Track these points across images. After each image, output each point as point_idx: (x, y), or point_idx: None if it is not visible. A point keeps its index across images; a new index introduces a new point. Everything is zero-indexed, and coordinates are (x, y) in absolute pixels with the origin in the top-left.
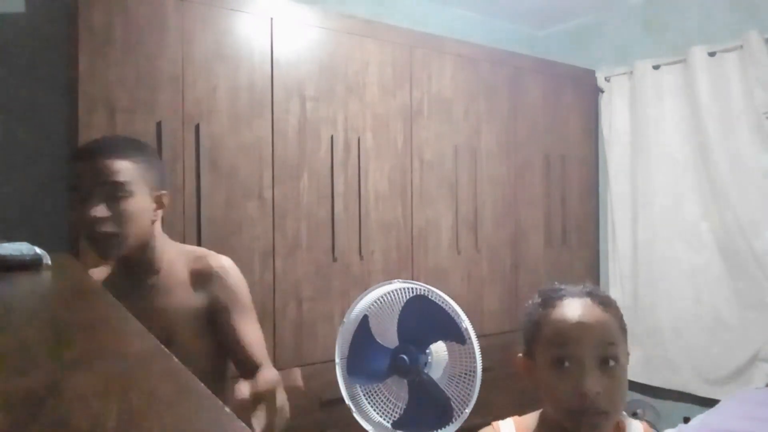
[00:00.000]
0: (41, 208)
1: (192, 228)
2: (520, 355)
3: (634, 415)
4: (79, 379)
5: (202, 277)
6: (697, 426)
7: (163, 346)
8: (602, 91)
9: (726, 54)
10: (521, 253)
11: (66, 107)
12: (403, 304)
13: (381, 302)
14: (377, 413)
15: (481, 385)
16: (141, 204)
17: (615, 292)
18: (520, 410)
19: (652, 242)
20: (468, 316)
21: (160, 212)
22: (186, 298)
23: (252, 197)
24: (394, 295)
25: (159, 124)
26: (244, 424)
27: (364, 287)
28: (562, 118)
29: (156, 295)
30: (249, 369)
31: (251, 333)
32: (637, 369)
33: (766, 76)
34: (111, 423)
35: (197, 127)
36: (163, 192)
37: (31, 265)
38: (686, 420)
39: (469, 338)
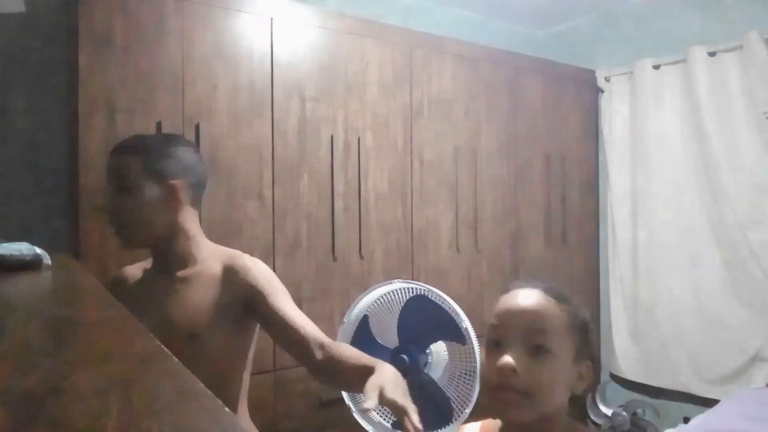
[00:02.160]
0: (41, 208)
1: None
2: None
3: (634, 415)
4: (79, 379)
5: (232, 272)
6: (697, 426)
7: (163, 347)
8: (602, 91)
9: (726, 54)
10: (521, 253)
11: (66, 107)
12: (403, 304)
13: (381, 302)
14: (377, 413)
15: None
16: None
17: (615, 292)
18: None
19: (652, 242)
20: (468, 316)
21: (180, 204)
22: (214, 293)
23: (252, 197)
24: (394, 295)
25: (159, 124)
26: (244, 424)
27: (364, 287)
28: (562, 118)
29: (185, 287)
30: (305, 349)
31: (297, 314)
32: (637, 369)
33: (766, 76)
34: (111, 423)
35: (197, 127)
36: (173, 182)
37: (31, 265)
38: (686, 420)
39: (469, 338)
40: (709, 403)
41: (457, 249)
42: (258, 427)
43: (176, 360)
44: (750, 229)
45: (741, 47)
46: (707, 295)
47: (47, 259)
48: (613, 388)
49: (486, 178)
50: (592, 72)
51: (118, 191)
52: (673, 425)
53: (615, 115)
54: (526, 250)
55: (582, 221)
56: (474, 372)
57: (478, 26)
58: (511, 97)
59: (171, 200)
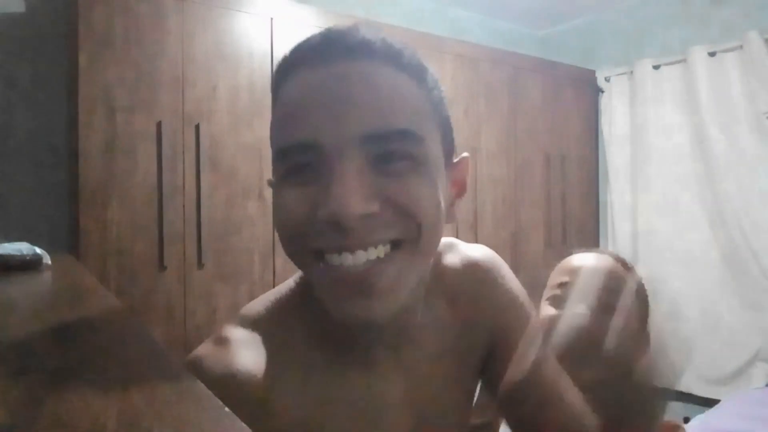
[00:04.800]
0: (41, 208)
1: (192, 228)
2: None
3: None
4: (79, 379)
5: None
6: (697, 426)
7: (163, 347)
8: (602, 91)
9: (726, 54)
10: (521, 253)
11: (66, 107)
12: None
13: None
14: None
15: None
16: None
17: None
18: None
19: (652, 241)
20: None
21: None
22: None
23: (252, 197)
24: None
25: (159, 124)
26: (244, 425)
27: None
28: (562, 118)
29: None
30: None
31: None
32: None
33: (766, 76)
34: (111, 423)
35: (197, 127)
36: None
37: (31, 265)
38: (686, 420)
39: None
40: (709, 403)
41: None
42: None
43: (176, 360)
44: (750, 228)
45: (741, 47)
46: (707, 295)
47: (47, 259)
48: None
49: (486, 178)
50: (592, 72)
51: None
52: None
53: (615, 115)
54: (526, 250)
55: (582, 221)
56: None
57: (478, 26)
58: (511, 97)
59: None
